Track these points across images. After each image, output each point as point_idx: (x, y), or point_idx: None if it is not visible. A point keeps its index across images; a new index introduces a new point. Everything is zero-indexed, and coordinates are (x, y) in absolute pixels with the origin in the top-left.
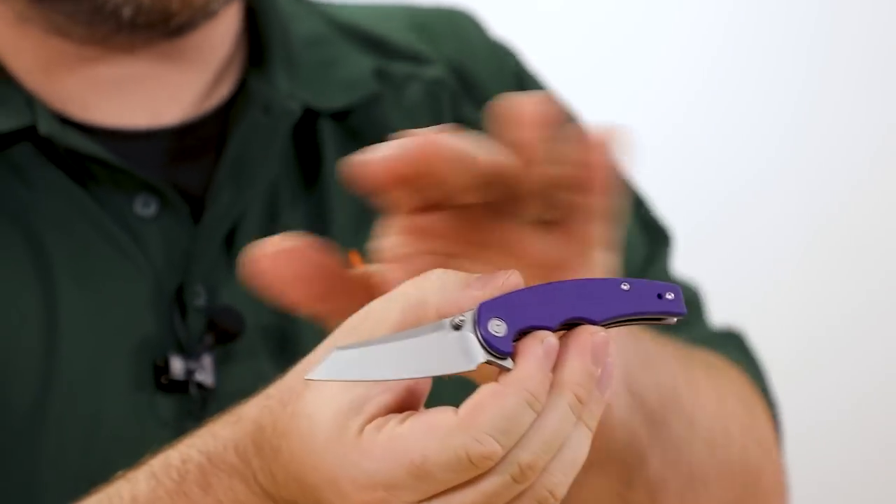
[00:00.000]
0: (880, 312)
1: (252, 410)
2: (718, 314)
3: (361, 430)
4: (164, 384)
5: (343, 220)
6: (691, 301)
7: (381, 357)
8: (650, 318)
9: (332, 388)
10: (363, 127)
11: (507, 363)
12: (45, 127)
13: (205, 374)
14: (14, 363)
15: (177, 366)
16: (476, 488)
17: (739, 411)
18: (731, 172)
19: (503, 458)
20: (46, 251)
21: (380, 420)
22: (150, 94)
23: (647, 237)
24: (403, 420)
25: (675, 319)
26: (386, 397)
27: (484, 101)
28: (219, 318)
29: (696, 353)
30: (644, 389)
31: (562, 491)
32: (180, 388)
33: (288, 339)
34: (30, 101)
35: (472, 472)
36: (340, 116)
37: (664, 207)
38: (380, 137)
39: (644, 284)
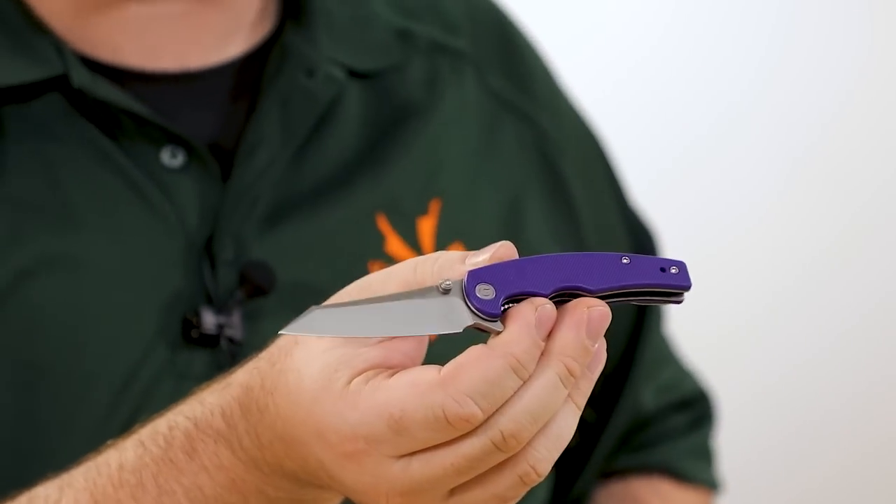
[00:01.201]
0: (850, 257)
1: (241, 375)
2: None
3: (349, 382)
4: (193, 338)
5: (372, 184)
6: (704, 406)
7: (362, 316)
8: (654, 295)
9: (321, 345)
10: (386, 93)
11: (497, 325)
12: (78, 78)
13: (234, 329)
14: (42, 320)
15: (209, 320)
16: (456, 450)
17: None
18: (701, 112)
19: (484, 422)
20: (72, 203)
21: (369, 374)
22: (179, 35)
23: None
24: (390, 375)
25: (683, 297)
26: (376, 353)
27: (516, 71)
28: (251, 273)
29: None
30: None
31: (545, 468)
32: (210, 342)
33: (318, 296)
34: (59, 47)
35: (451, 433)
36: (363, 77)
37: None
38: (406, 105)
39: (645, 259)
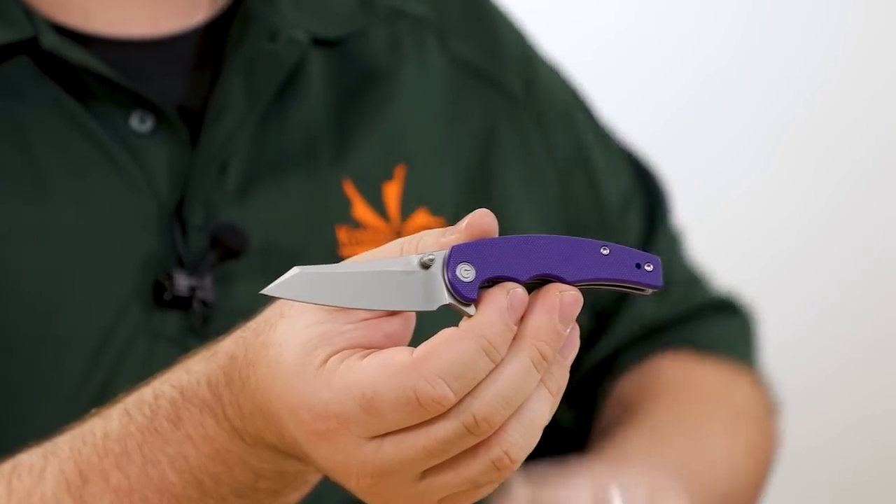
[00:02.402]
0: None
1: (228, 344)
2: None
3: (326, 360)
4: (166, 301)
5: (337, 149)
6: (696, 294)
7: (343, 284)
8: (625, 286)
9: (305, 320)
10: (349, 60)
11: (470, 310)
12: (48, 41)
13: (206, 292)
14: (14, 285)
15: (181, 282)
16: (428, 433)
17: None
18: (690, 76)
19: (457, 405)
20: (42, 167)
21: (345, 353)
22: (149, 1)
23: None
24: (365, 356)
25: (651, 292)
26: (357, 333)
27: (482, 36)
28: (222, 236)
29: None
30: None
31: (518, 454)
32: (182, 304)
33: (288, 258)
34: (28, 12)
35: (422, 415)
36: (326, 44)
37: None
38: (369, 72)
39: (624, 251)
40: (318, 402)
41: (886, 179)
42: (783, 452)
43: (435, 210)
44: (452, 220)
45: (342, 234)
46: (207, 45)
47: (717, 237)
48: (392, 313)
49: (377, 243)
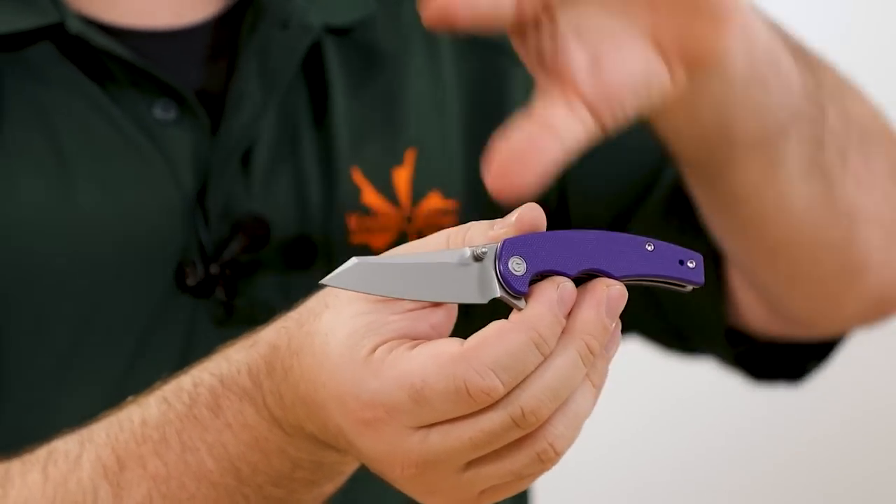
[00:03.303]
0: None
1: (269, 333)
2: None
3: (373, 350)
4: (188, 287)
5: (348, 137)
6: None
7: (399, 274)
8: (667, 282)
9: (350, 310)
10: (362, 46)
11: (521, 303)
12: (74, 25)
13: (227, 280)
14: (37, 269)
15: (202, 270)
16: (475, 424)
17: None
18: None
19: (505, 397)
20: (66, 152)
21: (393, 343)
22: None
23: None
24: (414, 346)
25: (691, 288)
26: (404, 323)
27: None
28: (246, 224)
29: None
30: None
31: (563, 446)
32: (204, 292)
33: (307, 249)
34: (55, 1)
35: (471, 406)
36: (340, 32)
37: None
38: (378, 57)
39: (668, 248)
40: (365, 391)
41: None
42: (782, 454)
43: (447, 193)
44: (465, 201)
45: (352, 221)
46: (223, 36)
47: None
48: (437, 304)
49: (387, 229)
